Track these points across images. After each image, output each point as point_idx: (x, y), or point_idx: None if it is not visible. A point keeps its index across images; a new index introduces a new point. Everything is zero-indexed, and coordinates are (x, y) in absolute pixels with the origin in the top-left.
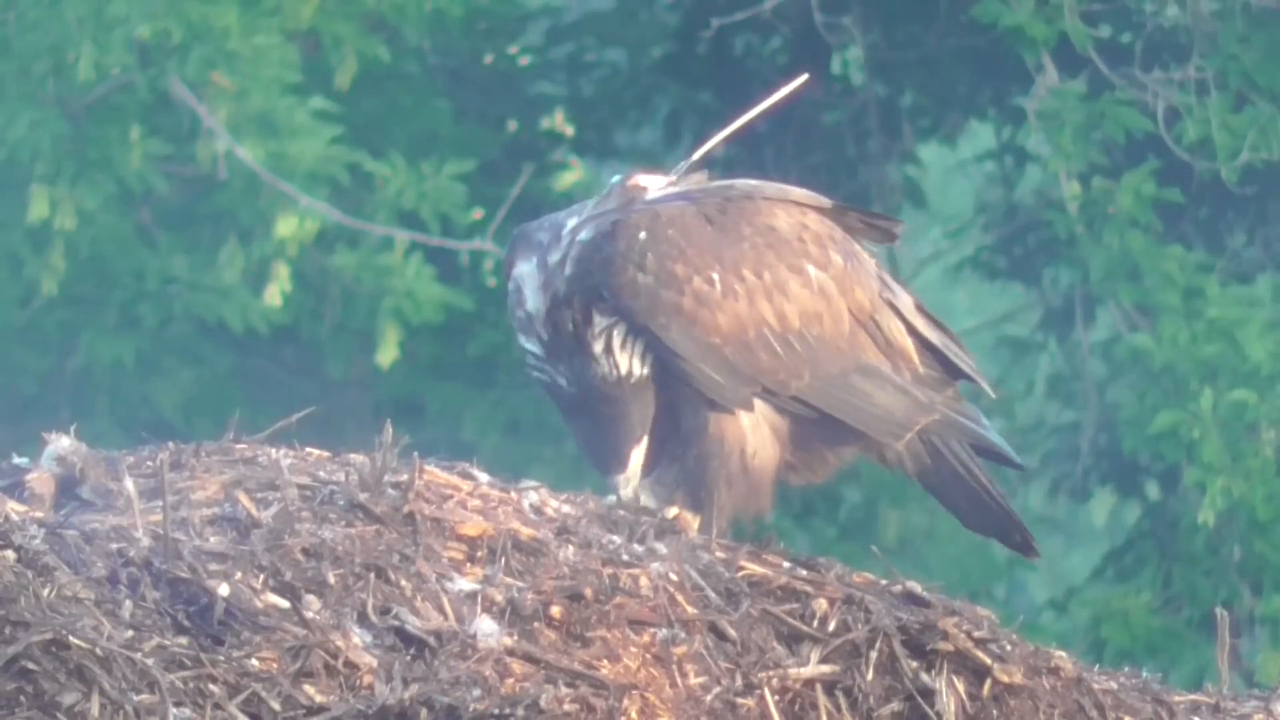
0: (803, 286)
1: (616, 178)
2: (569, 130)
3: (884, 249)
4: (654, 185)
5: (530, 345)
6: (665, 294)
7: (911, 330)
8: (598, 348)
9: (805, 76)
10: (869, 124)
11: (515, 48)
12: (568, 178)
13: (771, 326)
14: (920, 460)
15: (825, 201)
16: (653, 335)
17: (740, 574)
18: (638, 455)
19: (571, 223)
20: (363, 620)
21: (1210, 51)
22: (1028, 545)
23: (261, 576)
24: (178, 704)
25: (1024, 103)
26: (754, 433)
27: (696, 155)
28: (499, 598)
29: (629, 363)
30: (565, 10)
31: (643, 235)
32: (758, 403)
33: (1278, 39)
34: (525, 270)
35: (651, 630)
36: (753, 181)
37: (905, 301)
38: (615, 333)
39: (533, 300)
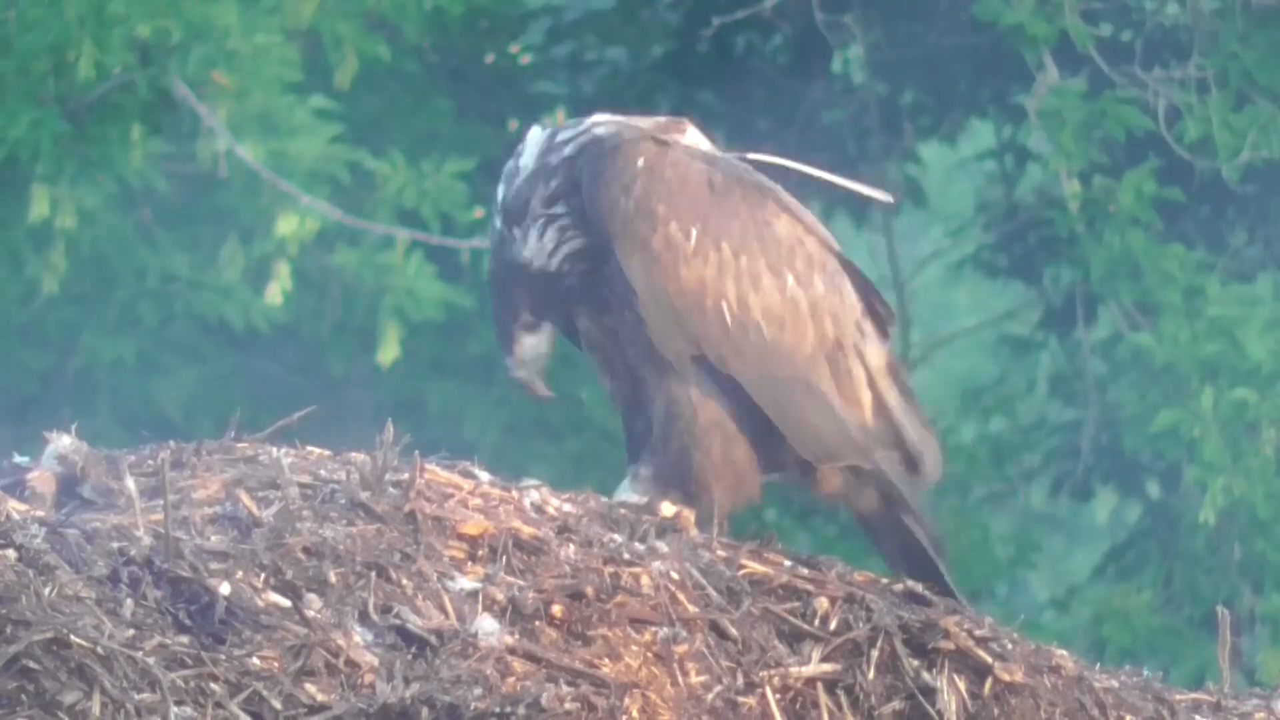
0: (776, 288)
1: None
2: None
3: (886, 248)
4: (692, 138)
5: (499, 195)
6: (639, 225)
7: (872, 386)
8: (535, 228)
9: (891, 198)
10: (869, 122)
11: (516, 46)
12: None
13: (730, 307)
14: (865, 504)
15: (834, 245)
16: (615, 259)
17: (741, 572)
18: (530, 341)
19: (600, 117)
20: (364, 619)
21: (1211, 50)
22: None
23: (263, 575)
24: (179, 703)
25: (1024, 101)
26: (717, 417)
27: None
28: (500, 596)
29: (547, 255)
30: (566, 9)
31: (641, 162)
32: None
33: (1278, 37)
34: (536, 134)
35: (653, 629)
36: (778, 187)
37: (876, 355)
38: (558, 227)
39: (528, 157)
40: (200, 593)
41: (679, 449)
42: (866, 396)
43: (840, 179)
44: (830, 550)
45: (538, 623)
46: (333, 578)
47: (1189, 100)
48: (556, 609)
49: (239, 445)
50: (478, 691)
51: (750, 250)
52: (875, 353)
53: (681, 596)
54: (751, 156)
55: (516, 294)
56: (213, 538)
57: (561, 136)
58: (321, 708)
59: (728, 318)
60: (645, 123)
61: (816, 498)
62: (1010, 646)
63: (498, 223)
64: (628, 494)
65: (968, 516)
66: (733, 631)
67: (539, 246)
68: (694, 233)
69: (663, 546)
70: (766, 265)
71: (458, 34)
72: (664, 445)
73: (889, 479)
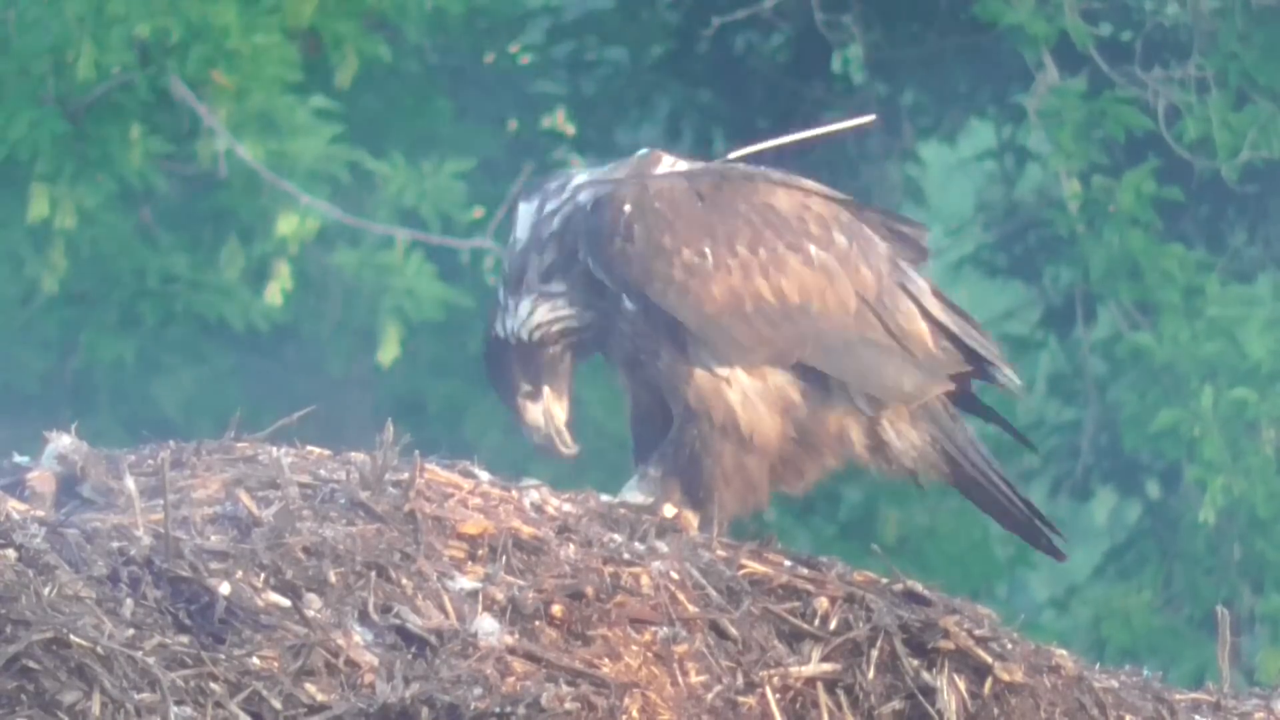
0: (803, 264)
1: (644, 151)
2: (570, 129)
3: None
4: (669, 161)
5: (501, 270)
6: (655, 264)
7: (926, 315)
8: (527, 300)
9: (873, 117)
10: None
11: (516, 46)
12: None
13: (768, 301)
14: (934, 466)
15: (839, 197)
16: (651, 303)
17: (741, 572)
18: (535, 408)
19: (580, 178)
20: (364, 619)
21: (1210, 50)
22: (1052, 549)
23: (262, 575)
24: (179, 702)
25: (1024, 101)
26: (745, 412)
27: (737, 155)
28: (500, 596)
29: (529, 330)
30: (566, 9)
31: (628, 209)
32: (756, 384)
33: (1278, 37)
34: (525, 209)
35: (653, 629)
36: (760, 168)
37: (921, 285)
38: (551, 304)
39: (519, 232)
40: (200, 592)
41: (690, 454)
42: (923, 327)
43: (818, 129)
44: (830, 550)
45: (538, 623)
46: (333, 577)
47: (1189, 100)
48: (556, 609)
49: (239, 445)
50: (478, 691)
51: (765, 240)
52: (919, 281)
53: (681, 596)
54: (731, 157)
55: (508, 368)
56: (213, 537)
57: (549, 208)
58: (321, 708)
59: (772, 314)
60: (621, 169)
61: (888, 474)
62: (1010, 646)
63: (500, 296)
64: (634, 493)
65: (967, 517)
66: (733, 631)
67: (525, 320)
68: (707, 250)
69: (663, 546)
70: (786, 246)
71: (458, 34)
72: (675, 450)
73: (955, 438)
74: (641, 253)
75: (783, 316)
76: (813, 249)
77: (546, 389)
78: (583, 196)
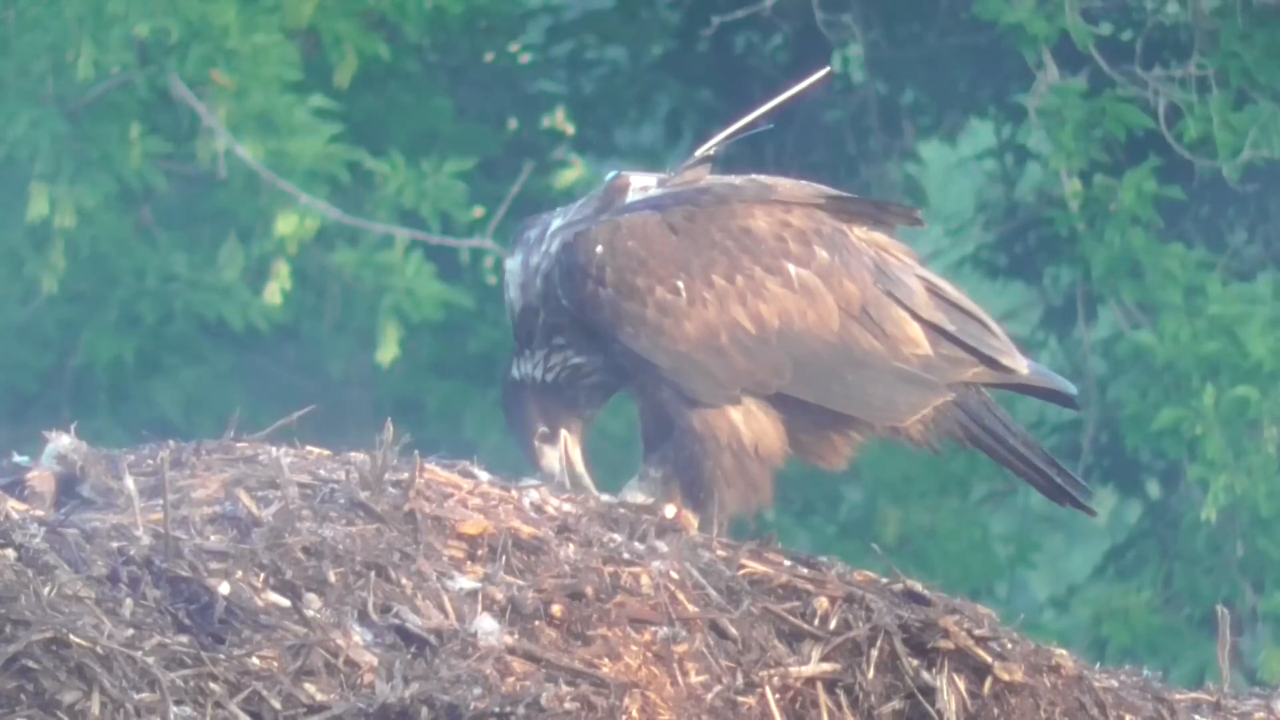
0: (782, 286)
1: (612, 174)
2: (569, 128)
3: None
4: (639, 185)
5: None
6: (627, 306)
7: (917, 317)
8: (538, 361)
9: (828, 69)
10: (870, 122)
11: (516, 45)
12: (568, 176)
13: (746, 329)
14: (950, 434)
15: (818, 195)
16: (623, 345)
17: (741, 572)
18: (552, 452)
19: (556, 223)
20: (363, 619)
21: (1211, 49)
22: (1080, 505)
23: (262, 575)
24: (178, 702)
25: (1025, 100)
26: (748, 426)
27: (709, 146)
28: (500, 596)
29: (544, 372)
30: (566, 8)
31: (599, 249)
32: (749, 397)
33: (1278, 37)
34: (512, 266)
35: (652, 628)
36: (736, 181)
37: (911, 288)
38: (561, 355)
39: (513, 293)
40: (200, 592)
41: (691, 457)
42: (916, 331)
43: (779, 98)
44: (830, 550)
45: (537, 622)
46: (332, 577)
47: (1189, 99)
48: (556, 609)
49: (238, 445)
50: (477, 691)
51: (740, 265)
52: (909, 284)
53: (681, 596)
54: (698, 154)
55: (526, 409)
56: (212, 537)
57: (533, 263)
58: (321, 707)
59: (748, 343)
60: (591, 203)
61: (907, 444)
62: (1010, 646)
63: (514, 348)
64: (634, 493)
65: (968, 516)
66: (732, 631)
67: (543, 367)
68: (681, 285)
69: (662, 546)
70: (763, 269)
71: (457, 33)
72: (677, 453)
73: (968, 404)
74: (612, 297)
75: (759, 343)
76: (792, 269)
77: (564, 433)
78: (555, 245)
